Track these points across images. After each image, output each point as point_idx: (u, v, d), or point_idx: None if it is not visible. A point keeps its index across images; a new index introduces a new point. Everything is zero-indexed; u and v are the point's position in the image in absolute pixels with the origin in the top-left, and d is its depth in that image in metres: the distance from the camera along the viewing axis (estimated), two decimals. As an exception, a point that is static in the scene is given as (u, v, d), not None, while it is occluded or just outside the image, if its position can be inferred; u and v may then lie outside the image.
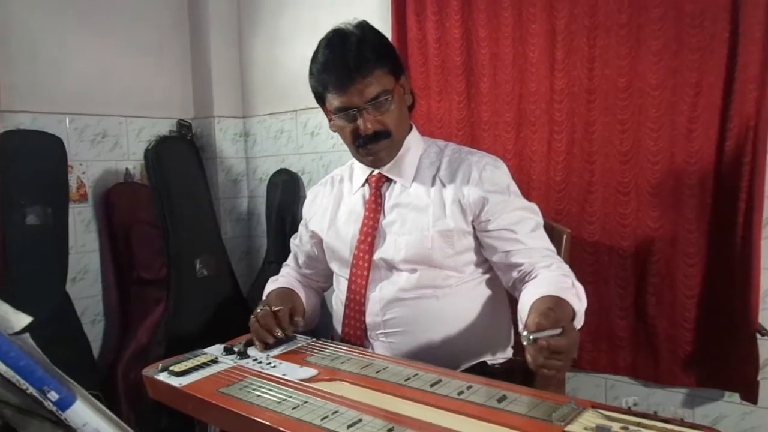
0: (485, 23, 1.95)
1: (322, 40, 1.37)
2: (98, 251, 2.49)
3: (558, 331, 0.93)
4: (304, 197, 2.56)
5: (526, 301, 1.13)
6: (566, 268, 1.26)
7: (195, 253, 2.21)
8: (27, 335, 0.50)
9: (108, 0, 2.50)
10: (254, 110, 2.80)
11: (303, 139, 2.59)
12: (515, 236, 1.29)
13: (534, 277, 1.21)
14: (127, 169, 2.56)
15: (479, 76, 1.99)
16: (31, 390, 0.48)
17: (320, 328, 1.64)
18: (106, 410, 0.53)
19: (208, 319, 2.19)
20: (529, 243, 1.28)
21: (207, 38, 2.74)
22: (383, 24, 2.15)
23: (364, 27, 1.36)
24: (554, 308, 1.00)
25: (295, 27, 2.59)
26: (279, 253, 2.53)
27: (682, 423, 0.83)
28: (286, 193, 2.59)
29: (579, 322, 1.13)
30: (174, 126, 2.72)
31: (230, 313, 2.25)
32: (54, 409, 0.48)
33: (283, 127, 2.67)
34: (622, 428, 0.82)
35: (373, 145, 1.33)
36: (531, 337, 0.91)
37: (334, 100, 1.32)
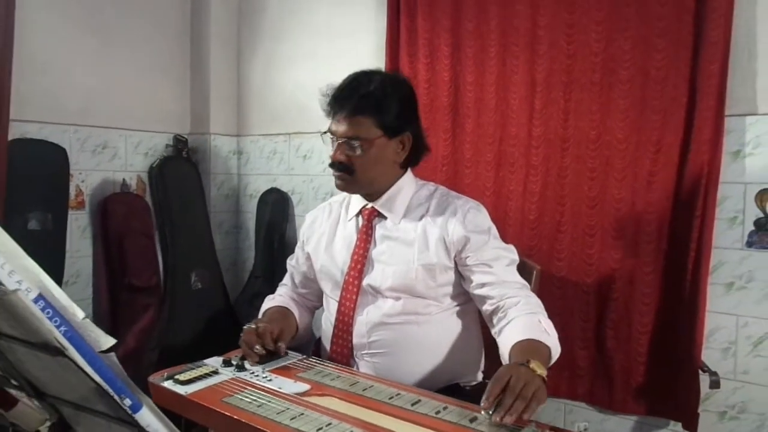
0: (472, 69, 2.12)
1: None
2: (92, 257, 2.59)
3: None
4: (293, 216, 2.72)
5: (504, 349, 1.31)
6: (534, 302, 1.41)
7: (191, 267, 2.34)
8: (112, 354, 0.64)
9: (115, 18, 2.63)
10: (249, 130, 2.94)
11: (295, 161, 2.73)
12: (491, 270, 1.44)
13: (507, 320, 1.37)
14: (124, 179, 2.67)
15: (464, 117, 2.15)
16: (115, 396, 0.61)
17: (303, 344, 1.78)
18: (164, 416, 0.67)
19: (200, 330, 2.31)
20: (504, 277, 1.44)
21: (207, 58, 2.88)
22: (378, 62, 2.33)
23: (388, 81, 1.48)
24: (500, 376, 1.12)
25: (292, 53, 2.73)
26: (266, 268, 2.66)
27: (622, 446, 0.99)
28: (276, 212, 2.72)
29: (555, 351, 1.30)
30: (170, 140, 2.83)
31: (221, 324, 2.38)
32: (129, 412, 0.62)
33: (276, 148, 2.81)
34: (573, 448, 0.97)
35: (336, 172, 1.49)
36: (483, 413, 1.08)
37: (328, 121, 1.49)
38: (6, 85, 2.19)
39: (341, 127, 1.44)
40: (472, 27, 2.11)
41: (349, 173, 1.47)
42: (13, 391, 0.90)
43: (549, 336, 1.30)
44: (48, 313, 0.58)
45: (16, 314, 0.56)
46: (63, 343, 0.58)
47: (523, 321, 1.34)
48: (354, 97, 1.43)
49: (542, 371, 1.15)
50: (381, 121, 1.44)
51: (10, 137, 2.23)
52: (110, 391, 0.61)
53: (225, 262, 2.91)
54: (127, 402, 0.64)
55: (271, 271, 2.62)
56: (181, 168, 2.51)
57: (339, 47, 2.55)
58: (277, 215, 2.71)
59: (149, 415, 0.65)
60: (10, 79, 2.20)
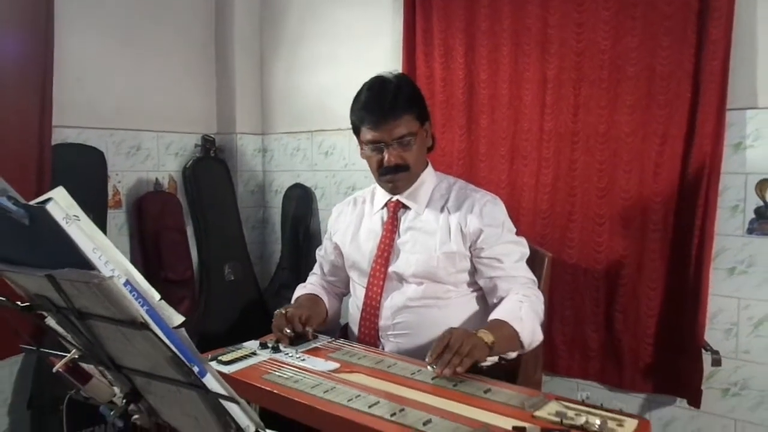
0: (486, 68, 2.22)
1: (365, 83, 1.64)
2: (129, 253, 2.75)
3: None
4: (317, 210, 2.85)
5: None
6: (534, 295, 1.55)
7: (224, 260, 2.49)
8: (183, 329, 0.77)
9: (145, 28, 2.78)
10: (273, 128, 3.07)
11: (317, 157, 2.86)
12: (501, 265, 1.57)
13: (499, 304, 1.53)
14: (156, 179, 2.82)
15: (479, 114, 2.26)
16: (186, 363, 0.75)
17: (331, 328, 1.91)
18: (222, 380, 0.80)
19: (234, 318, 2.46)
20: (512, 272, 1.56)
21: (232, 62, 3.02)
22: (395, 62, 2.45)
23: (401, 77, 1.64)
24: (445, 335, 1.34)
25: (312, 57, 2.86)
26: (292, 260, 2.80)
27: (621, 412, 1.11)
28: (300, 206, 2.85)
29: (525, 337, 1.45)
30: (199, 140, 2.98)
31: (252, 313, 2.53)
32: (198, 377, 0.75)
33: (299, 145, 2.94)
34: (576, 414, 1.09)
35: (393, 176, 1.60)
36: (429, 367, 1.31)
37: (367, 134, 1.59)
38: (48, 94, 2.35)
39: (394, 131, 1.55)
40: (486, 27, 2.21)
41: (405, 171, 1.60)
42: (88, 368, 1.04)
43: (522, 322, 1.44)
44: (134, 295, 0.71)
45: (110, 296, 0.69)
46: (147, 320, 0.72)
47: (505, 305, 1.50)
48: (395, 101, 1.55)
49: (488, 338, 1.34)
50: (417, 113, 1.59)
51: (52, 143, 2.39)
52: (183, 359, 0.74)
53: (253, 255, 3.05)
54: (196, 369, 0.77)
55: (297, 263, 2.76)
56: (212, 168, 2.66)
57: (357, 49, 2.67)
58: (301, 209, 2.84)
59: (212, 380, 0.79)
60: (52, 88, 2.36)
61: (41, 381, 2.27)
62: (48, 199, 0.66)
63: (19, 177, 2.25)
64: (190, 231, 2.81)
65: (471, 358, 1.28)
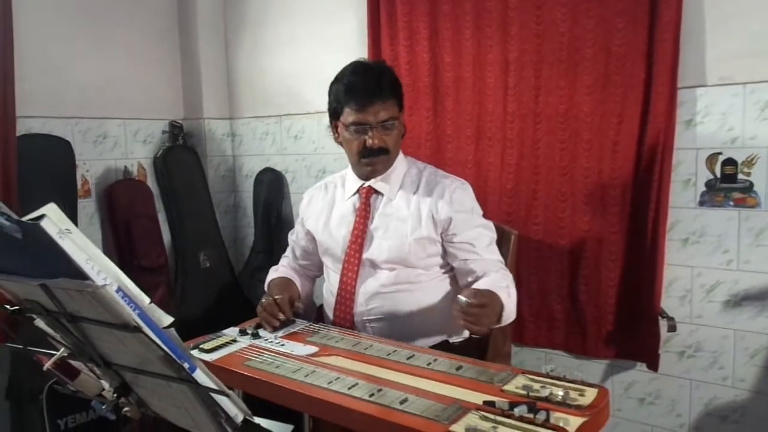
0: (450, 50, 2.27)
1: (347, 66, 1.67)
2: (101, 242, 2.75)
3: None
4: (288, 194, 2.89)
5: None
6: (509, 277, 1.63)
7: (198, 247, 2.52)
8: (172, 329, 0.82)
9: (106, 15, 2.74)
10: (240, 113, 3.08)
11: (287, 141, 2.88)
12: (473, 249, 1.64)
13: (481, 278, 1.57)
14: (125, 167, 2.82)
15: (444, 96, 2.31)
16: (177, 361, 0.80)
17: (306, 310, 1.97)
18: (211, 374, 0.85)
19: (211, 304, 2.50)
20: (484, 255, 1.64)
21: (196, 46, 3.00)
22: (360, 46, 2.47)
23: (382, 64, 1.70)
24: (486, 295, 1.38)
25: (276, 39, 2.86)
26: (265, 243, 2.84)
27: (582, 382, 1.19)
28: (272, 190, 2.88)
29: (509, 313, 1.51)
30: (167, 127, 2.97)
31: (229, 298, 2.57)
32: (188, 372, 0.81)
33: (268, 129, 2.96)
34: (541, 387, 1.18)
35: (374, 158, 1.65)
36: (463, 300, 1.32)
37: (350, 116, 1.61)
38: (10, 84, 2.32)
39: (379, 114, 1.59)
40: (448, 10, 2.24)
41: (386, 154, 1.65)
42: (76, 364, 1.08)
43: (509, 297, 1.51)
44: (126, 300, 0.76)
45: (104, 303, 0.73)
46: (139, 323, 0.76)
47: (491, 278, 1.55)
48: (381, 84, 1.60)
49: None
50: (398, 99, 1.65)
51: (17, 134, 2.36)
52: (174, 357, 0.79)
53: (226, 239, 3.08)
54: (186, 365, 0.82)
55: (270, 246, 2.80)
56: (183, 155, 2.67)
57: (321, 32, 2.69)
58: (273, 193, 2.87)
59: (201, 374, 0.84)
60: (14, 77, 2.33)
61: (18, 371, 2.28)
62: (41, 216, 0.69)
63: (-15, 170, 2.24)
64: (161, 218, 2.83)
65: (485, 327, 1.36)
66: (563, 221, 2.10)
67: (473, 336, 1.62)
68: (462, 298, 1.32)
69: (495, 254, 1.67)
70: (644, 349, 1.96)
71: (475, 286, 1.52)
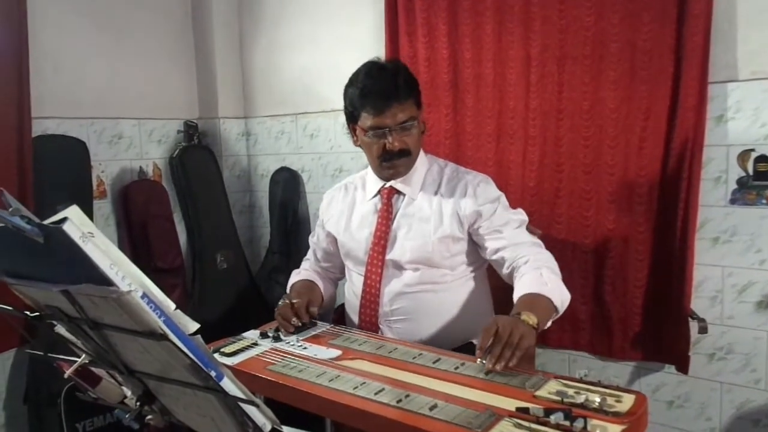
0: (470, 46, 2.22)
1: (360, 69, 1.63)
2: (117, 243, 2.73)
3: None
4: (305, 193, 2.86)
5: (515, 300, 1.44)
6: (543, 257, 1.55)
7: (216, 248, 2.49)
8: (199, 336, 0.78)
9: (120, 15, 2.72)
10: (256, 112, 3.05)
11: (303, 140, 2.85)
12: (502, 235, 1.59)
13: (518, 280, 1.50)
14: (140, 167, 2.80)
15: (464, 93, 2.26)
16: (204, 370, 0.76)
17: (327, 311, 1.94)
18: (239, 382, 0.82)
19: (229, 306, 2.47)
20: (515, 239, 1.58)
21: (211, 45, 2.97)
22: (377, 42, 2.43)
23: (397, 63, 1.65)
24: (489, 326, 1.27)
25: (292, 37, 2.83)
26: (282, 244, 2.81)
27: (617, 388, 1.15)
28: (288, 190, 2.85)
29: (558, 299, 1.42)
30: (181, 126, 2.95)
31: (246, 299, 2.54)
32: (216, 381, 0.77)
33: (283, 128, 2.93)
34: (575, 392, 1.13)
35: (395, 161, 1.61)
36: (479, 361, 1.26)
37: (368, 120, 1.57)
38: (25, 85, 2.30)
39: (397, 116, 1.55)
40: (468, 5, 2.20)
41: (407, 156, 1.61)
42: (97, 371, 1.05)
43: (548, 287, 1.43)
44: (151, 306, 0.72)
45: (129, 310, 0.70)
46: (165, 330, 0.73)
47: (527, 277, 1.47)
48: (397, 85, 1.55)
49: (532, 320, 1.30)
50: (416, 98, 1.61)
51: (32, 135, 2.35)
52: (201, 366, 0.76)
53: (242, 239, 3.05)
54: (213, 373, 0.79)
55: (287, 247, 2.77)
56: (199, 155, 2.64)
57: (338, 30, 2.65)
58: (289, 193, 2.84)
59: (229, 383, 0.81)
60: (29, 79, 2.31)
61: (36, 375, 2.27)
62: (63, 219, 0.66)
63: (0, 172, 2.22)
64: (177, 218, 2.80)
65: (521, 349, 1.22)
66: (587, 220, 2.05)
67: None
68: (479, 360, 1.27)
69: (525, 236, 1.62)
70: (673, 351, 1.91)
71: (515, 295, 1.45)
